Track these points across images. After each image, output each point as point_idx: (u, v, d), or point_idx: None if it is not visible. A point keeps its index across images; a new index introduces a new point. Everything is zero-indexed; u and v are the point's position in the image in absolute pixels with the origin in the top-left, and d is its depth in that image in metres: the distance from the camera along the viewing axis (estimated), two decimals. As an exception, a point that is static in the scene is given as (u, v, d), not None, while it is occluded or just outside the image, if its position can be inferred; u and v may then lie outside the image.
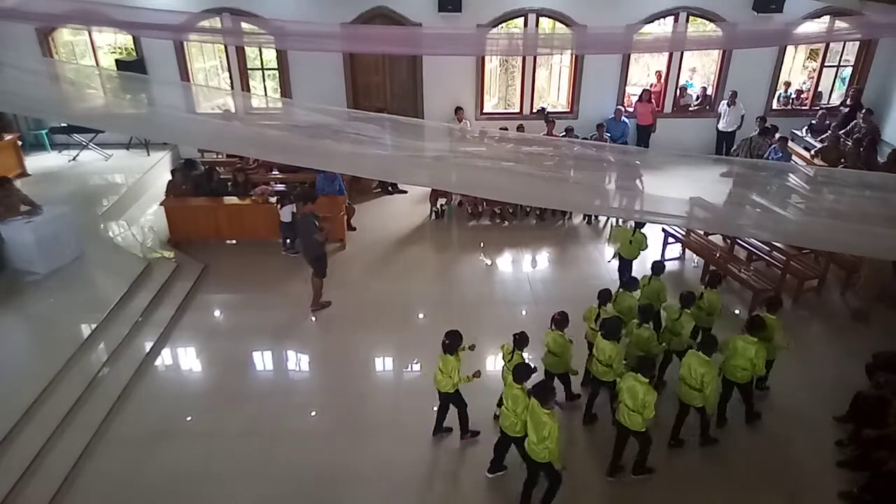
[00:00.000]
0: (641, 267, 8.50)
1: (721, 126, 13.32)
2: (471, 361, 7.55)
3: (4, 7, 8.22)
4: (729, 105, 13.02)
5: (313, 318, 8.58)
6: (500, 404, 6.26)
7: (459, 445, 6.43)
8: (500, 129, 11.17)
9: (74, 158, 12.70)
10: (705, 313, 7.10)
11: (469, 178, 5.58)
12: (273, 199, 9.76)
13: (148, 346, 7.72)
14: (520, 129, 11.87)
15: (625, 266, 8.85)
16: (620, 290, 7.17)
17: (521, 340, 6.09)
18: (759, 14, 12.45)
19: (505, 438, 5.81)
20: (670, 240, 9.99)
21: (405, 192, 12.30)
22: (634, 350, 6.42)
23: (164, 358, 7.73)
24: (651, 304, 6.79)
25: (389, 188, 12.42)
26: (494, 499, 5.91)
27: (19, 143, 12.15)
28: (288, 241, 9.92)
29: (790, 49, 14.17)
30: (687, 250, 9.87)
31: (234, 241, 10.37)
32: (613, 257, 8.96)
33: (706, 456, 6.32)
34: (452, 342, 6.00)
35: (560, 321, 6.35)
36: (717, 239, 9.72)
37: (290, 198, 9.50)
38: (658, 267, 7.48)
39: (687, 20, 12.95)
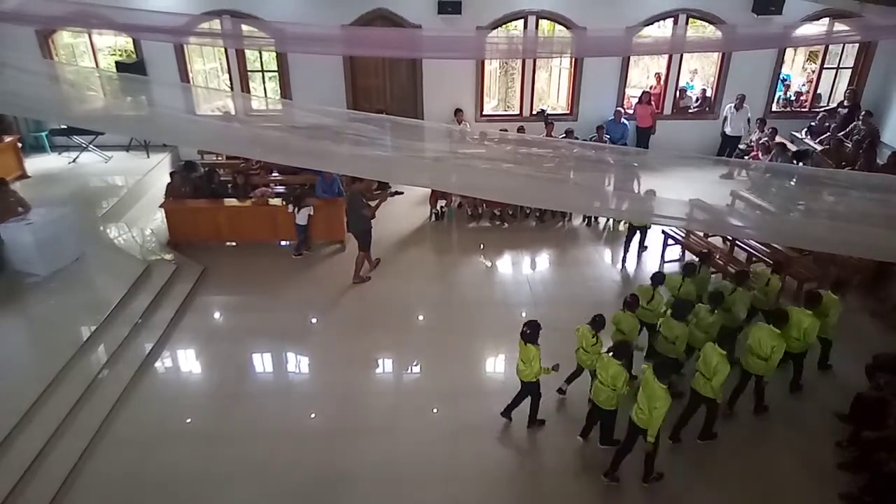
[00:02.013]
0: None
1: (728, 130, 13.26)
2: (475, 360, 7.59)
3: (5, 9, 8.22)
4: (736, 108, 13.00)
5: (313, 320, 8.59)
6: (569, 381, 6.95)
7: (455, 445, 6.43)
8: (500, 130, 11.17)
9: (74, 160, 12.71)
10: (763, 294, 7.49)
11: (469, 179, 5.60)
12: (288, 205, 9.76)
13: (148, 347, 7.72)
14: (520, 130, 11.87)
15: (638, 235, 9.73)
16: (685, 278, 7.45)
17: (599, 322, 6.46)
18: (759, 16, 12.46)
19: (598, 411, 6.14)
20: (670, 241, 10.00)
21: (401, 193, 12.25)
22: (699, 333, 6.71)
23: (164, 359, 7.72)
24: (721, 292, 7.04)
25: (388, 189, 12.40)
26: (492, 497, 5.90)
27: (19, 144, 12.16)
28: (301, 243, 10.01)
29: (790, 51, 14.19)
30: (687, 252, 9.86)
31: (233, 243, 10.36)
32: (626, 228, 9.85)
33: (705, 455, 6.32)
34: (533, 331, 6.18)
35: (631, 303, 6.72)
36: (716, 241, 9.73)
37: (306, 201, 9.63)
38: (704, 256, 8.03)
39: (686, 22, 12.97)
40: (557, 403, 6.98)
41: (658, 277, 7.28)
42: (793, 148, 12.38)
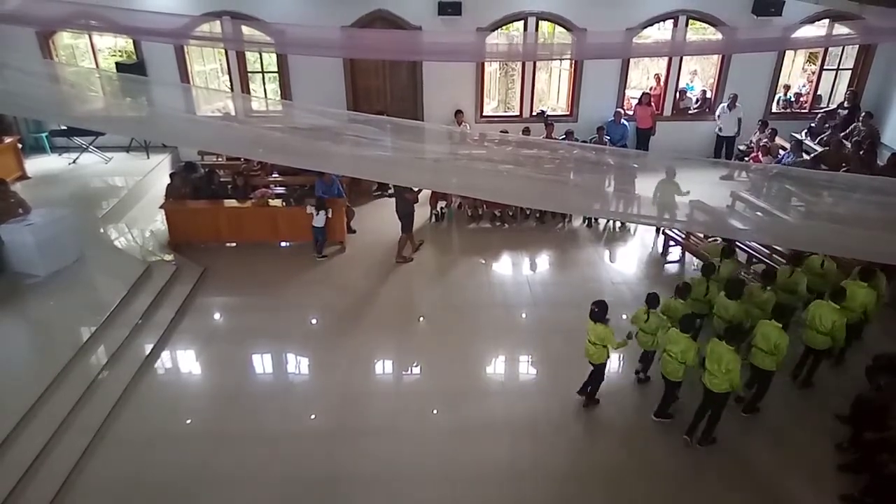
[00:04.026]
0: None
1: (720, 130, 13.30)
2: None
3: (5, 11, 8.23)
4: (729, 108, 13.02)
5: (313, 321, 8.59)
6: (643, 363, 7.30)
7: (456, 447, 6.43)
8: (501, 132, 11.18)
9: (74, 161, 12.71)
10: (820, 277, 7.71)
11: (469, 180, 5.60)
12: (307, 207, 9.79)
13: (147, 348, 7.72)
14: (525, 131, 11.87)
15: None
16: (724, 259, 7.80)
17: (653, 300, 6.79)
18: (759, 17, 12.46)
19: (668, 383, 6.52)
20: (671, 243, 10.00)
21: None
22: (753, 308, 7.00)
23: (164, 360, 7.72)
24: (774, 268, 7.68)
25: (388, 190, 12.43)
26: (492, 498, 5.89)
27: (19, 145, 12.16)
28: (322, 245, 10.04)
29: (789, 52, 14.18)
30: (687, 253, 9.86)
31: (233, 244, 10.36)
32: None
33: (704, 457, 6.32)
34: (601, 310, 6.41)
35: (682, 290, 7.09)
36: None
37: (323, 204, 9.68)
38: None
39: (686, 24, 12.97)
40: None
41: (708, 269, 7.47)
42: (815, 147, 12.39)
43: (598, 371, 6.72)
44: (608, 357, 6.60)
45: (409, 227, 9.84)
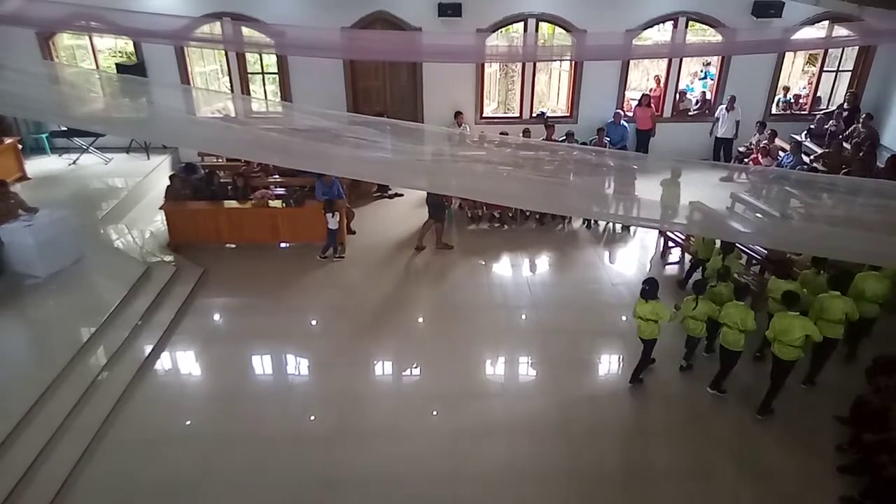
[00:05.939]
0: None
1: (719, 132, 13.28)
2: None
3: (5, 12, 8.24)
4: (727, 110, 13.01)
5: (313, 322, 8.60)
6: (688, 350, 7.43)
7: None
8: (501, 133, 11.18)
9: (74, 162, 12.72)
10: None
11: (469, 182, 5.60)
12: (324, 210, 9.79)
13: (147, 349, 7.71)
14: (525, 133, 11.87)
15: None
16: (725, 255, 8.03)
17: (699, 286, 7.10)
18: (759, 19, 12.47)
19: (724, 353, 6.83)
20: (670, 244, 10.01)
21: (401, 195, 12.30)
22: (809, 295, 7.14)
23: (164, 362, 7.72)
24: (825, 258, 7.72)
25: (388, 191, 12.45)
26: (491, 500, 5.90)
27: (20, 146, 12.17)
28: (329, 247, 10.05)
29: (789, 53, 14.19)
30: (687, 255, 9.86)
31: (233, 245, 10.37)
32: None
33: (703, 457, 6.32)
34: (652, 288, 6.68)
35: (724, 274, 7.36)
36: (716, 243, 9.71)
37: (332, 206, 9.66)
38: None
39: (686, 25, 12.99)
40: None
41: (728, 247, 7.89)
42: (815, 149, 12.37)
43: (649, 348, 6.99)
44: (659, 332, 6.88)
45: (440, 217, 10.16)
